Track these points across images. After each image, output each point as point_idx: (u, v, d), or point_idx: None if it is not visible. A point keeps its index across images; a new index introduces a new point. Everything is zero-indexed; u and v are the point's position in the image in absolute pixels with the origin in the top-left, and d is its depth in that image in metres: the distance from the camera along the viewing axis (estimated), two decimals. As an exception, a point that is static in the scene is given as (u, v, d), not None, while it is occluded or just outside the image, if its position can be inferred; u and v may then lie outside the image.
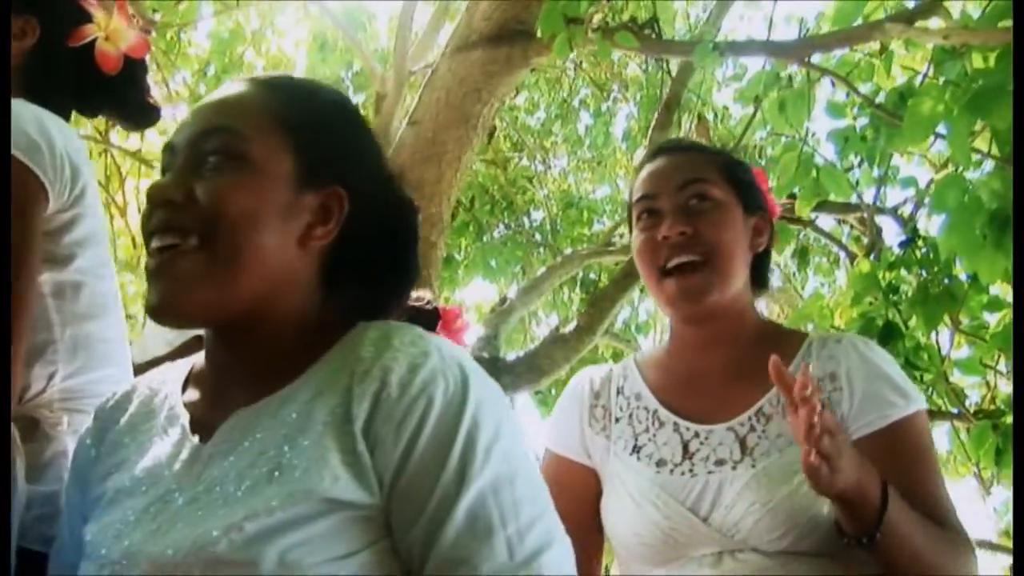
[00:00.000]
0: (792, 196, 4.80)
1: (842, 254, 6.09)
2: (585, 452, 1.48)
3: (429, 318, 2.92)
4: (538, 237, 8.52)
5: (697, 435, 1.37)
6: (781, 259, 7.48)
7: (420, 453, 0.89)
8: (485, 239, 8.65)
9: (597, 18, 3.34)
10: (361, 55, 7.61)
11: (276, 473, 0.89)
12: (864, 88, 3.46)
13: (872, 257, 4.41)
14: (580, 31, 3.02)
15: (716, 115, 7.99)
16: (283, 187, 0.99)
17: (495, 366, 4.82)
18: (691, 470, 1.34)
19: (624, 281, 5.39)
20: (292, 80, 1.13)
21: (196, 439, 0.98)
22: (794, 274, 7.16)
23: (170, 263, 0.96)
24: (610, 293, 5.57)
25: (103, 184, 7.32)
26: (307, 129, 1.02)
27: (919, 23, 2.87)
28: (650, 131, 5.20)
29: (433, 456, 0.89)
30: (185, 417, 1.02)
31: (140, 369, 1.24)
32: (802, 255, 6.75)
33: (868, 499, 1.19)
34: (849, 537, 1.21)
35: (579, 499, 1.44)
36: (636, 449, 1.41)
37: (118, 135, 7.48)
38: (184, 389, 1.07)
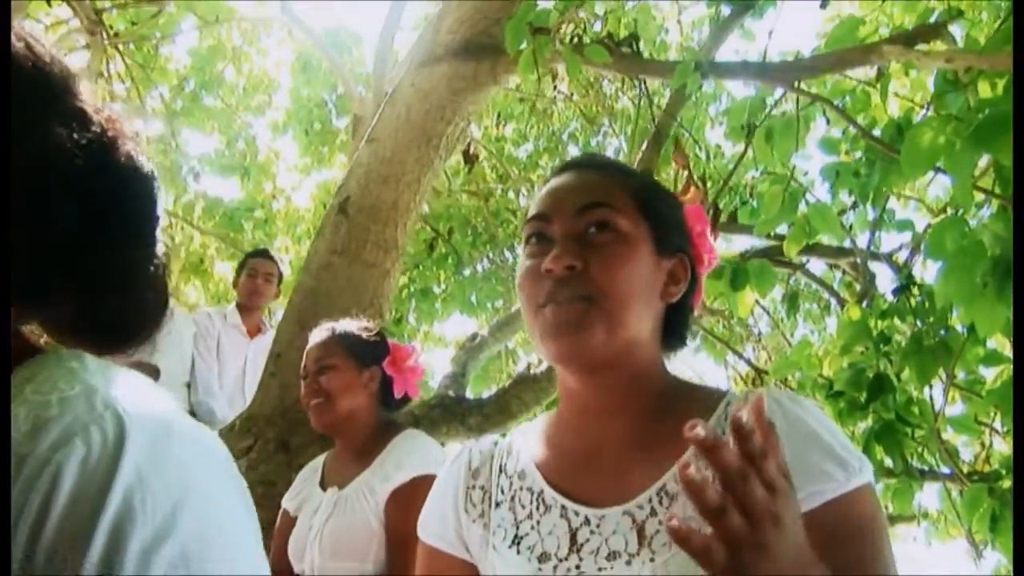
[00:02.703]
0: (780, 237, 4.53)
1: (833, 301, 5.81)
2: (462, 544, 1.23)
3: (376, 349, 2.66)
4: (520, 272, 8.25)
5: (588, 521, 1.11)
6: (769, 304, 7.22)
7: (44, 556, 0.59)
8: (466, 272, 8.41)
9: (569, 32, 3.07)
10: (343, 78, 7.41)
11: None
12: (859, 121, 3.17)
13: (865, 305, 4.16)
14: (546, 42, 2.74)
15: (708, 154, 7.80)
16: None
17: (460, 405, 4.49)
18: (578, 566, 1.08)
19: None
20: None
21: None
22: (783, 320, 6.86)
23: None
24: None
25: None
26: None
27: (919, 46, 2.58)
28: (635, 166, 4.93)
29: (62, 562, 0.59)
30: None
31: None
32: (791, 300, 6.44)
33: None
34: None
35: None
36: (517, 540, 1.15)
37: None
38: None
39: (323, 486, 2.51)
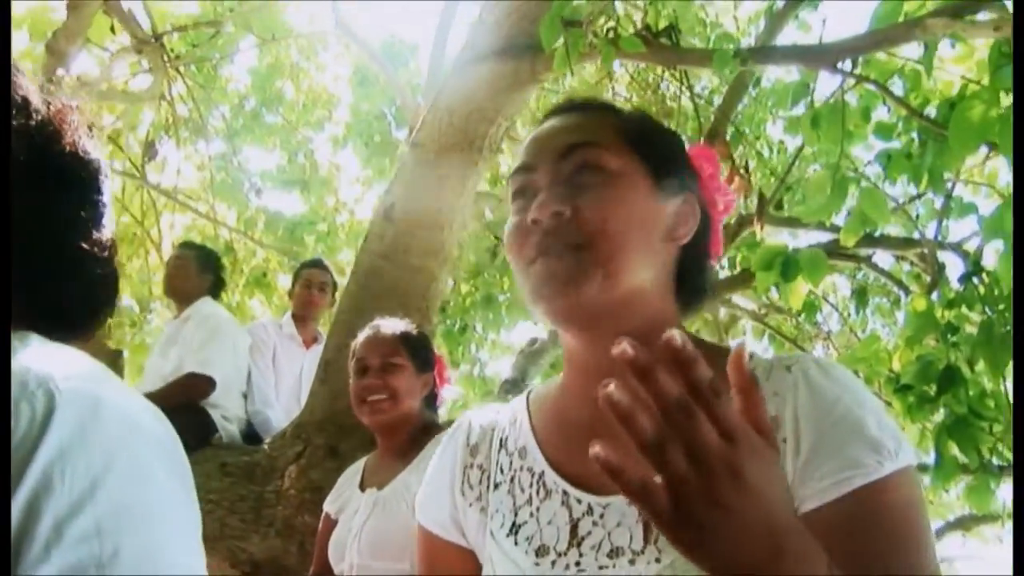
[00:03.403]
0: (836, 228, 4.40)
1: (903, 294, 5.62)
2: (458, 529, 1.12)
3: (432, 356, 2.66)
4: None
5: (590, 510, 0.99)
6: (840, 301, 7.03)
7: None
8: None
9: (605, 26, 3.02)
10: (399, 90, 7.45)
11: None
12: (911, 101, 3.04)
13: (935, 296, 4.01)
14: (579, 35, 2.70)
15: (771, 149, 7.65)
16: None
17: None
18: (578, 563, 0.97)
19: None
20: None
21: None
22: (850, 316, 6.66)
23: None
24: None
25: (138, 220, 7.26)
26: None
27: (967, 17, 2.47)
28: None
29: None
30: None
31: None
32: (860, 296, 6.24)
33: None
34: None
35: None
36: (515, 528, 1.03)
37: (154, 172, 7.43)
38: None
39: (362, 487, 2.50)
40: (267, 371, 4.28)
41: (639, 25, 3.33)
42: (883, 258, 5.69)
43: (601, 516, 0.98)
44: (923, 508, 0.92)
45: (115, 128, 6.99)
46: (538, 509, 1.02)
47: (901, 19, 2.72)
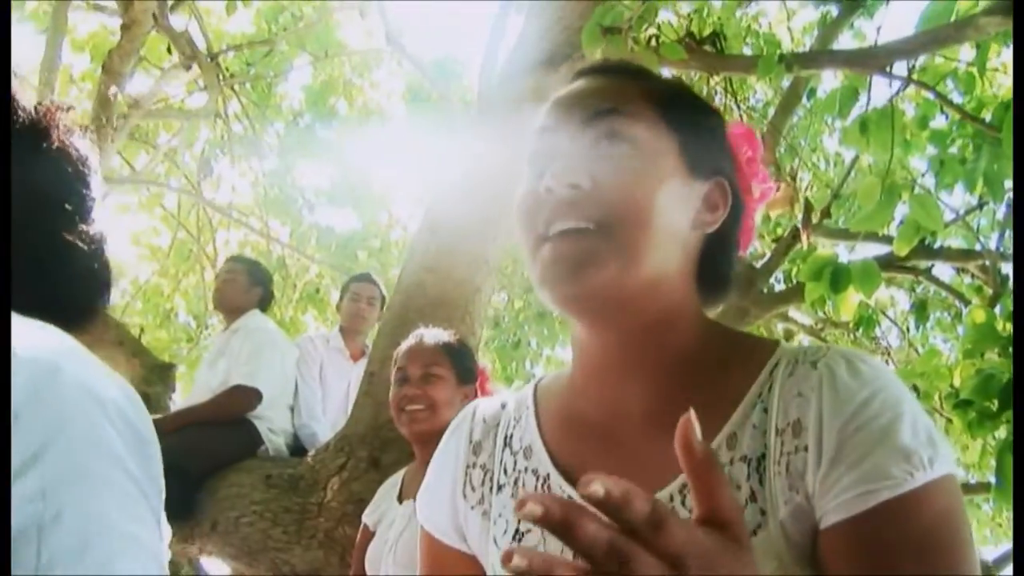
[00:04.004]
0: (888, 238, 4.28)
1: (964, 308, 5.46)
2: (459, 535, 1.05)
3: (475, 368, 2.63)
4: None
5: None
6: (897, 314, 6.86)
7: None
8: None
9: (647, 33, 2.98)
10: (452, 106, 7.48)
11: None
12: (964, 105, 2.95)
13: (997, 310, 3.88)
14: (618, 41, 2.66)
15: (828, 162, 7.53)
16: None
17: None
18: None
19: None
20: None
21: None
22: (910, 330, 6.49)
23: None
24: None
25: (194, 236, 7.37)
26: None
27: None
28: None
29: None
30: None
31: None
32: (920, 310, 6.07)
33: None
34: None
35: None
36: (518, 536, 0.97)
37: (210, 188, 7.55)
38: None
39: (400, 499, 2.48)
40: (314, 385, 4.29)
41: (683, 33, 3.28)
42: (943, 271, 5.55)
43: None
44: (961, 523, 0.82)
45: (171, 146, 7.13)
46: None
47: (952, 19, 2.64)
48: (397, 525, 2.37)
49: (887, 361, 6.67)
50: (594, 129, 0.92)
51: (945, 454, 0.83)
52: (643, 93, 0.96)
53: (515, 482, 0.99)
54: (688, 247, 0.95)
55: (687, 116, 0.97)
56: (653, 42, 2.95)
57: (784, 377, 0.89)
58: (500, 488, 1.01)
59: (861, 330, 6.39)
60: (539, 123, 0.98)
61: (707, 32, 3.20)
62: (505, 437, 1.03)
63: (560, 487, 0.95)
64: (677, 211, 0.92)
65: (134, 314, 7.47)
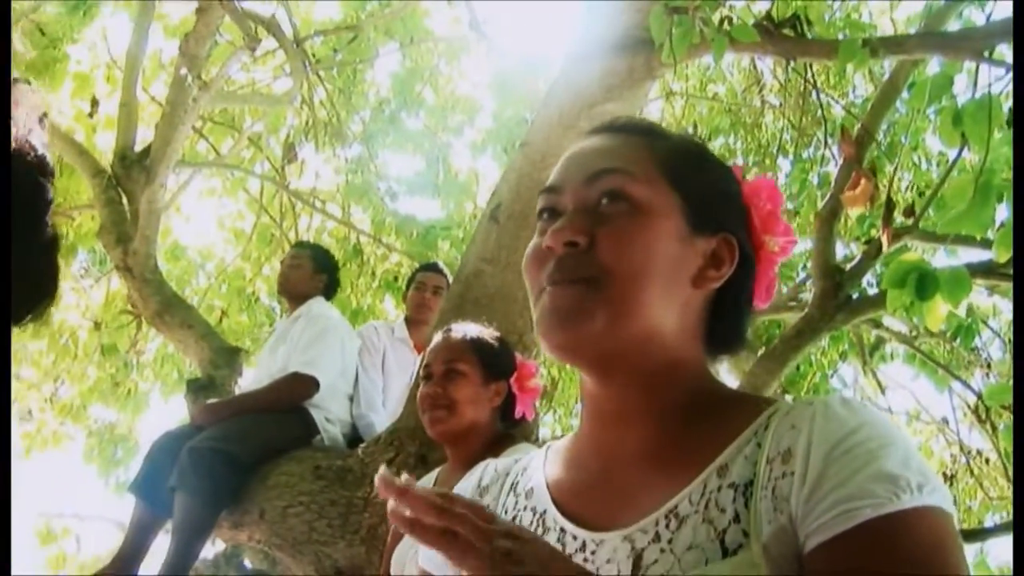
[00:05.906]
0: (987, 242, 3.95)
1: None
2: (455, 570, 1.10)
3: (506, 363, 2.50)
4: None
5: (584, 547, 0.95)
6: (1000, 325, 6.44)
7: None
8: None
9: (719, 15, 2.79)
10: (537, 96, 7.36)
11: None
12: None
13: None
14: (687, 21, 2.48)
15: (930, 161, 7.15)
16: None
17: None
18: None
19: (796, 340, 4.70)
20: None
21: None
22: (1011, 342, 6.07)
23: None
24: (780, 352, 4.87)
25: (277, 221, 7.42)
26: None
27: None
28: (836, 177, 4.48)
29: None
30: None
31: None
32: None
33: None
34: None
35: None
36: None
37: (294, 174, 7.58)
38: None
39: (431, 501, 2.37)
40: (375, 375, 4.21)
41: (761, 17, 3.07)
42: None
43: (593, 552, 0.95)
44: (955, 559, 0.81)
45: (255, 132, 7.17)
46: None
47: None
48: (424, 528, 2.26)
49: (987, 375, 6.28)
50: (596, 188, 0.99)
51: (939, 488, 0.83)
52: (648, 152, 1.02)
53: (513, 519, 1.04)
54: (691, 303, 1.00)
55: (692, 174, 1.02)
56: (727, 24, 2.75)
57: (780, 417, 0.92)
58: None
59: (960, 340, 6.02)
60: (549, 181, 1.06)
61: (788, 15, 2.99)
62: (512, 483, 1.11)
63: (554, 520, 1.01)
64: (675, 268, 0.97)
65: (218, 297, 7.55)
